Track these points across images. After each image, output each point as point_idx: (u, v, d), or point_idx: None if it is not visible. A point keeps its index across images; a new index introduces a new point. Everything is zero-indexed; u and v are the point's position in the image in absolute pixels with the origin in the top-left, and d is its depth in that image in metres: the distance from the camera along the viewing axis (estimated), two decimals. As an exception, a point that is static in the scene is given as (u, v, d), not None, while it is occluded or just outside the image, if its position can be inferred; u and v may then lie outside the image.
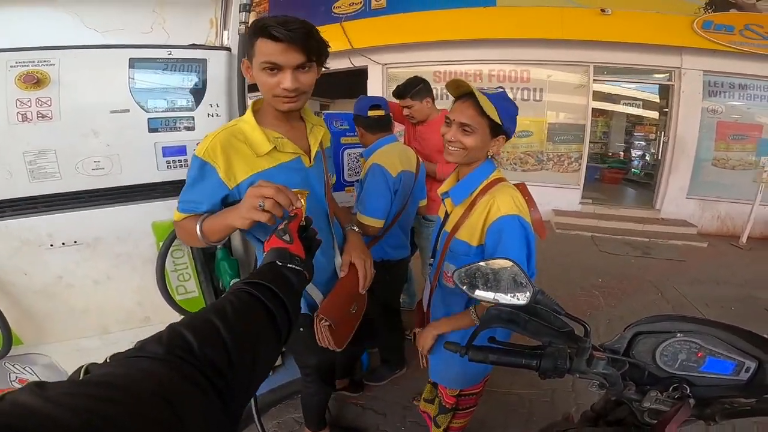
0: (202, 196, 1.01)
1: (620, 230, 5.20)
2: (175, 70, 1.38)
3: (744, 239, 4.91)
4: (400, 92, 2.22)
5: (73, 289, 1.41)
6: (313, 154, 1.15)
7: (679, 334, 0.67)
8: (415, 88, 2.19)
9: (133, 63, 1.32)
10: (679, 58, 5.13)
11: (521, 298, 0.71)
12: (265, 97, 1.04)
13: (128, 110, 1.33)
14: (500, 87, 1.10)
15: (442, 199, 1.27)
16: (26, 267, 1.33)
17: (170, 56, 1.36)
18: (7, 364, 1.45)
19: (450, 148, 1.13)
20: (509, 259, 0.73)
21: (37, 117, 1.24)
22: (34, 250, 1.32)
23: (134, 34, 1.40)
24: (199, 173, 1.00)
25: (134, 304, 1.53)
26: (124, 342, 1.55)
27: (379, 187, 1.64)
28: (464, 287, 0.78)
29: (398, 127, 2.74)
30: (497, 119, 1.05)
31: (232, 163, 1.00)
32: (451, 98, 1.15)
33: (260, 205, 0.82)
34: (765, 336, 0.66)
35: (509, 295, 0.72)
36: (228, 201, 1.03)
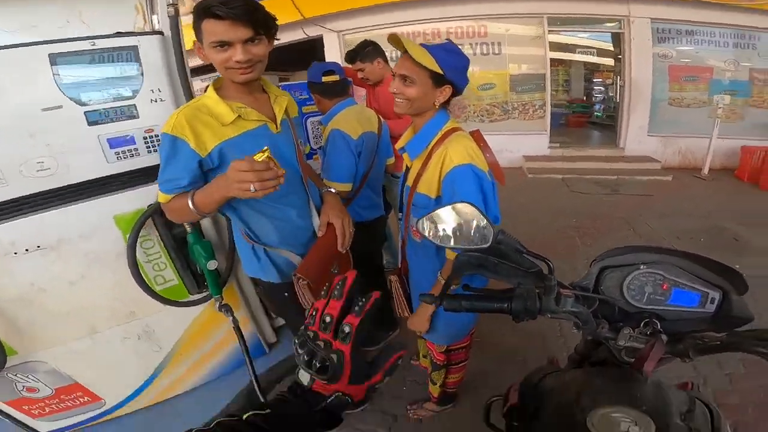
0: (180, 171, 1.05)
1: (589, 170, 5.37)
2: (104, 61, 1.31)
3: (705, 171, 5.17)
4: (351, 57, 2.28)
5: (47, 293, 1.39)
6: (278, 120, 1.18)
7: (642, 266, 0.66)
8: (364, 50, 2.24)
9: (55, 58, 1.24)
10: (626, 6, 5.28)
11: (483, 240, 0.69)
12: (220, 72, 1.07)
13: (61, 106, 1.27)
14: (448, 40, 1.10)
15: (400, 154, 1.28)
16: (-4, 278, 1.30)
17: (94, 47, 1.29)
18: (9, 375, 1.45)
19: (396, 100, 1.14)
20: (466, 202, 0.72)
21: (-34, 123, 1.17)
22: (-1, 260, 1.29)
23: (50, 29, 1.33)
24: (172, 149, 1.04)
25: (114, 300, 1.52)
26: (116, 339, 1.60)
27: (341, 151, 1.65)
28: (429, 236, 0.77)
29: (361, 92, 2.74)
30: (435, 68, 1.05)
31: (199, 133, 1.04)
32: None
33: (252, 189, 0.90)
34: (727, 264, 0.64)
35: (473, 239, 0.71)
36: (204, 168, 1.08)
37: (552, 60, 5.85)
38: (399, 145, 1.26)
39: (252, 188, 0.90)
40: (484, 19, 5.59)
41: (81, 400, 1.64)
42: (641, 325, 0.66)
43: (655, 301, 0.66)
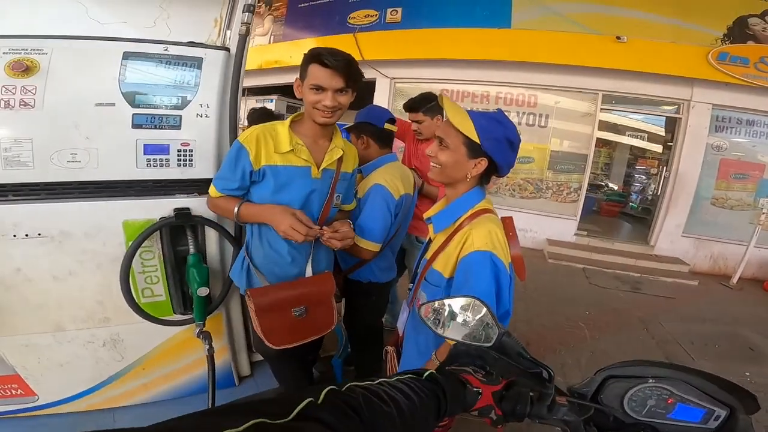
0: (234, 175, 1.23)
1: (612, 264, 5.15)
2: (169, 67, 1.35)
3: (735, 279, 4.88)
4: (413, 105, 2.14)
5: (31, 283, 1.35)
6: (321, 167, 1.30)
7: (651, 380, 0.63)
8: (429, 103, 2.10)
9: (127, 56, 1.29)
10: (689, 89, 5.05)
11: (487, 339, 0.69)
12: (307, 109, 1.25)
13: (114, 104, 1.30)
14: (499, 110, 1.07)
15: (427, 224, 1.21)
16: (-15, 256, 1.28)
17: (166, 52, 1.33)
18: None
19: (431, 164, 1.09)
20: (476, 298, 0.72)
21: (20, 105, 1.21)
22: (-5, 239, 1.27)
23: (136, 27, 1.38)
24: (236, 154, 1.22)
25: (95, 303, 1.47)
26: (79, 341, 1.51)
27: (381, 209, 1.54)
28: (429, 323, 0.76)
29: (398, 144, 2.71)
30: (471, 134, 1.00)
31: (259, 150, 1.22)
32: None
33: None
34: (741, 386, 0.62)
35: (475, 335, 0.71)
36: (251, 179, 1.25)
37: (597, 140, 5.72)
38: (428, 214, 1.19)
39: (296, 240, 1.18)
40: (536, 88, 5.59)
41: (13, 391, 1.56)
42: None
43: (656, 414, 0.64)
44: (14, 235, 1.28)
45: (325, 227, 1.27)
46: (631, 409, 0.64)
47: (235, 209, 1.25)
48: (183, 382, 1.79)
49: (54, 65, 1.23)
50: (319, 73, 1.15)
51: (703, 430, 0.63)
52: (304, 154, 1.26)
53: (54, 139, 1.26)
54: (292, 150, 1.24)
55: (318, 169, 1.29)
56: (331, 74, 1.15)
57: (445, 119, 1.11)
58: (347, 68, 1.16)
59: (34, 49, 1.22)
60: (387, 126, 1.68)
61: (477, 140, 1.00)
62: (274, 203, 1.25)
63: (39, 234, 1.30)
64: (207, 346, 1.47)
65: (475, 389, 0.64)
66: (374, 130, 1.67)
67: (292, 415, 0.34)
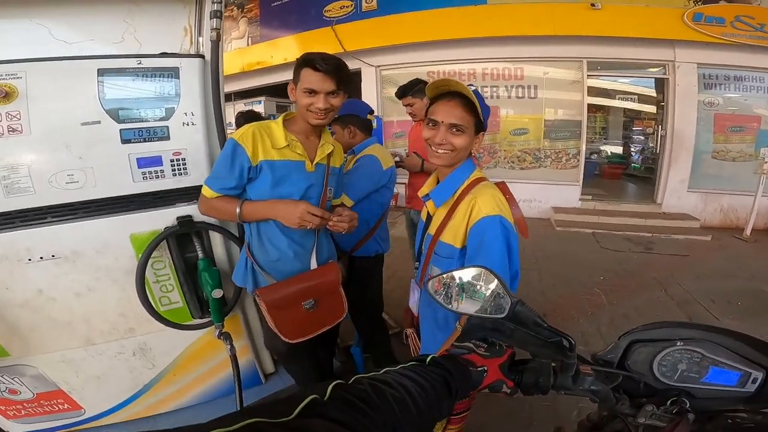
0: (231, 173, 1.25)
1: (622, 226, 5.13)
2: (146, 80, 1.36)
3: (748, 231, 4.82)
4: (402, 92, 2.49)
5: (55, 302, 1.40)
6: (314, 161, 1.35)
7: (679, 343, 0.61)
8: (415, 86, 2.44)
9: (102, 73, 1.30)
10: (672, 51, 5.08)
11: (499, 310, 0.66)
12: (300, 111, 1.30)
13: (99, 122, 1.31)
14: (471, 84, 1.07)
15: (424, 201, 1.24)
16: (7, 281, 1.33)
17: (140, 66, 1.34)
18: None
19: (439, 151, 1.09)
20: (485, 268, 0.69)
21: (8, 131, 1.22)
22: (13, 265, 1.31)
23: (105, 44, 1.37)
24: (232, 152, 1.24)
25: (117, 315, 1.51)
26: (110, 353, 1.57)
27: (369, 173, 1.78)
28: (439, 298, 0.74)
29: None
30: (480, 115, 1.05)
31: (256, 146, 1.25)
32: None
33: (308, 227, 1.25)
34: None
35: (487, 307, 0.68)
36: (248, 176, 1.28)
37: (589, 106, 5.73)
38: (422, 192, 1.23)
39: (309, 226, 1.25)
40: (522, 61, 5.58)
41: (60, 406, 1.62)
42: (667, 402, 0.62)
43: (688, 378, 0.62)
44: (29, 259, 1.31)
45: (332, 215, 1.32)
46: (661, 375, 0.63)
47: (237, 209, 1.27)
48: (213, 384, 1.84)
49: (32, 89, 1.23)
50: (311, 77, 1.21)
51: (740, 393, 0.61)
52: (299, 149, 1.31)
53: (49, 162, 1.28)
54: (288, 145, 1.29)
55: (312, 164, 1.35)
56: (322, 78, 1.21)
57: (445, 103, 1.07)
58: (338, 72, 1.23)
59: (8, 74, 1.22)
60: (369, 116, 1.93)
61: (482, 118, 1.06)
62: (272, 197, 1.29)
63: (53, 255, 1.33)
64: (229, 347, 1.51)
65: (479, 368, 0.63)
66: (359, 121, 1.90)
67: (293, 414, 0.34)
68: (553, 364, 0.63)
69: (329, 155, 1.41)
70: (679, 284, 3.52)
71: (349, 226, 1.33)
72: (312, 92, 1.23)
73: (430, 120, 1.09)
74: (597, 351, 0.68)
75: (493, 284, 0.67)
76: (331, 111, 1.28)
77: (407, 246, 3.07)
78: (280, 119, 1.34)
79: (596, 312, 3.05)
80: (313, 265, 1.42)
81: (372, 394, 0.43)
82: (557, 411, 1.97)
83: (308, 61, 1.21)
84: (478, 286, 0.69)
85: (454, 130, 1.06)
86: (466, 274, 0.71)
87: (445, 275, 0.73)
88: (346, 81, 1.27)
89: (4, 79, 1.20)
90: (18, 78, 1.22)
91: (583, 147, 5.63)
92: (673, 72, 5.18)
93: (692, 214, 5.31)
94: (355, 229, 1.39)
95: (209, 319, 1.56)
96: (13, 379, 1.49)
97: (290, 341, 1.36)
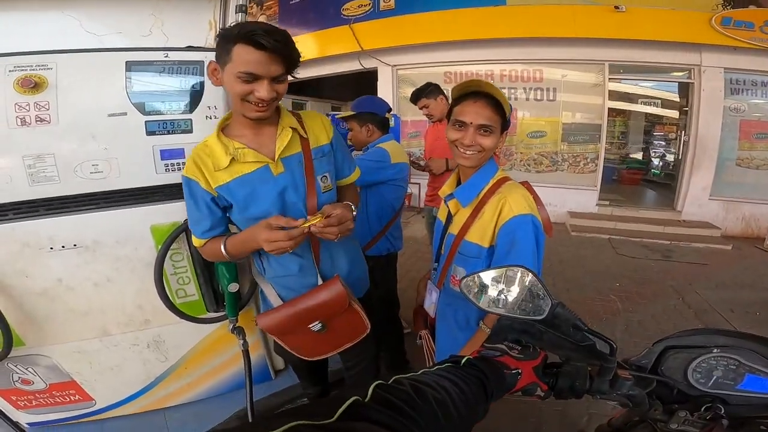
0: (201, 213, 1.09)
1: (639, 233, 5.01)
2: (172, 73, 1.37)
3: None
4: (416, 96, 2.53)
5: (74, 291, 1.41)
6: (276, 157, 1.07)
7: (715, 350, 0.61)
8: (427, 88, 2.49)
9: (130, 66, 1.31)
10: (698, 55, 4.93)
11: (538, 312, 0.64)
12: (234, 103, 1.01)
13: (126, 113, 1.32)
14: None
15: (445, 201, 1.22)
16: (27, 270, 1.35)
17: (167, 59, 1.35)
18: (9, 364, 1.47)
19: (467, 152, 1.07)
20: (525, 268, 0.67)
21: (36, 121, 1.24)
22: (34, 253, 1.33)
23: (133, 37, 1.39)
24: (189, 190, 1.08)
25: (135, 307, 1.52)
26: (125, 344, 1.57)
27: (374, 161, 1.76)
28: (471, 297, 0.71)
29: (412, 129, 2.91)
30: (508, 114, 1.05)
31: (203, 174, 1.06)
32: None
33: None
34: None
35: (524, 307, 0.66)
36: (221, 206, 1.11)
37: (610, 110, 5.61)
38: (444, 192, 1.21)
39: (288, 248, 0.99)
40: (541, 63, 5.50)
41: (72, 397, 1.64)
42: (701, 408, 0.62)
43: (723, 385, 0.62)
44: (51, 248, 1.33)
45: (310, 217, 1.02)
46: (695, 381, 0.62)
47: (222, 249, 1.09)
48: (223, 378, 1.84)
49: (61, 80, 1.26)
50: (249, 57, 0.90)
51: None
52: (250, 156, 1.05)
53: (75, 152, 1.30)
54: (234, 159, 1.04)
55: (276, 161, 1.08)
56: (268, 59, 0.91)
57: (473, 103, 1.04)
58: (288, 50, 0.94)
59: (38, 65, 1.24)
60: (387, 115, 1.91)
61: (507, 117, 1.06)
62: (250, 223, 1.08)
63: (74, 245, 1.35)
64: (241, 341, 1.51)
65: (513, 370, 0.61)
66: (378, 119, 1.88)
67: (335, 416, 0.32)
68: (589, 367, 0.63)
69: (303, 139, 1.13)
70: (696, 293, 3.44)
71: (340, 230, 1.04)
72: (250, 77, 0.92)
73: (457, 121, 1.07)
74: (627, 356, 0.67)
75: (531, 284, 0.65)
76: (276, 100, 1.00)
77: (419, 246, 3.05)
78: (215, 130, 1.08)
79: (611, 318, 3.00)
80: (319, 282, 1.21)
81: (414, 395, 0.42)
82: (567, 416, 1.93)
83: (246, 34, 0.89)
84: (515, 287, 0.68)
85: (483, 131, 1.04)
86: (501, 273, 0.69)
87: (480, 274, 0.71)
88: (294, 62, 0.98)
89: (34, 69, 1.22)
90: (48, 69, 1.24)
91: (602, 151, 5.52)
92: (699, 76, 5.03)
93: (713, 222, 5.16)
94: (351, 231, 1.11)
95: (223, 312, 1.57)
96: (27, 369, 1.51)
97: (308, 359, 1.26)
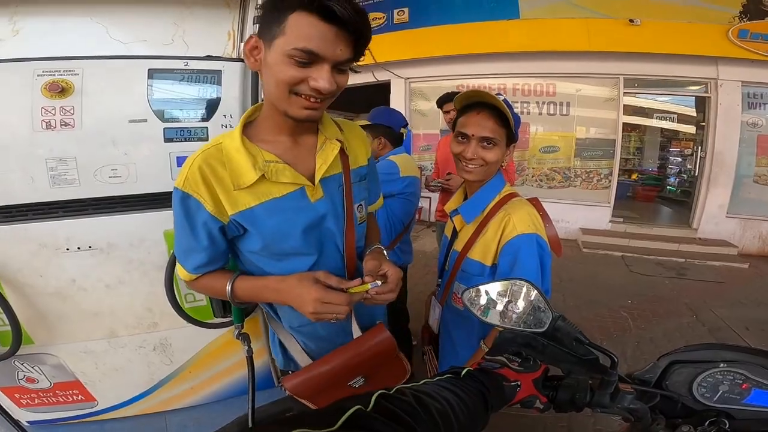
0: (197, 242, 0.81)
1: (654, 250, 4.93)
2: (191, 81, 1.40)
3: None
4: (444, 99, 2.66)
5: (86, 292, 1.43)
6: (317, 178, 0.83)
7: (722, 364, 0.61)
8: (455, 95, 2.44)
9: (152, 74, 1.35)
10: (714, 68, 4.89)
11: (539, 325, 0.65)
12: (274, 94, 0.74)
13: (146, 120, 1.35)
14: (498, 93, 1.06)
15: (450, 217, 1.22)
16: (42, 269, 1.37)
17: (187, 67, 1.39)
18: (16, 362, 1.49)
19: (469, 166, 1.06)
20: (526, 281, 0.68)
21: (60, 125, 1.28)
22: (51, 254, 1.36)
23: (156, 45, 1.43)
24: (183, 210, 0.79)
25: (144, 309, 1.54)
26: (131, 346, 1.59)
27: (386, 174, 1.74)
28: (474, 310, 0.73)
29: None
30: (512, 127, 1.02)
31: (213, 193, 0.78)
32: None
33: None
34: None
35: (525, 320, 0.67)
36: (229, 236, 0.84)
37: (624, 125, 5.53)
38: (449, 207, 1.20)
39: (339, 315, 0.78)
40: (555, 77, 5.49)
41: (75, 397, 1.65)
42: (705, 423, 0.62)
43: (729, 400, 0.61)
44: (67, 249, 1.36)
45: (367, 278, 0.82)
46: (701, 395, 0.61)
47: (228, 288, 0.84)
48: (226, 384, 1.84)
49: (87, 85, 1.29)
50: (312, 30, 0.65)
51: None
52: (286, 175, 0.79)
53: (95, 157, 1.33)
54: (263, 175, 0.78)
55: (316, 184, 0.83)
56: (335, 35, 0.66)
57: (475, 115, 1.02)
58: (363, 25, 0.69)
59: (66, 70, 1.28)
60: (402, 130, 1.89)
61: (513, 130, 1.04)
62: (270, 261, 0.86)
63: (90, 247, 1.38)
64: (246, 348, 1.50)
65: (512, 383, 0.61)
66: (392, 133, 1.85)
67: (337, 424, 0.32)
68: (590, 381, 0.63)
69: (343, 154, 0.88)
70: (711, 311, 3.38)
71: (396, 289, 0.86)
72: (309, 58, 0.67)
73: (460, 133, 1.06)
74: (634, 370, 0.67)
75: (533, 298, 0.67)
76: (332, 96, 0.76)
77: (428, 260, 3.05)
78: (237, 127, 0.82)
79: (622, 335, 2.97)
80: (355, 330, 0.98)
81: (416, 406, 0.42)
82: (572, 431, 1.90)
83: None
84: (517, 299, 0.69)
85: (485, 143, 1.03)
86: (503, 286, 0.70)
87: (482, 286, 0.72)
88: (364, 47, 0.74)
89: (62, 74, 1.27)
90: (75, 74, 1.28)
91: (616, 167, 5.46)
92: (716, 90, 4.97)
93: (730, 240, 5.05)
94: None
95: (230, 318, 1.57)
96: (33, 367, 1.52)
97: None
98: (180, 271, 0.88)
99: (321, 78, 0.69)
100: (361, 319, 1.00)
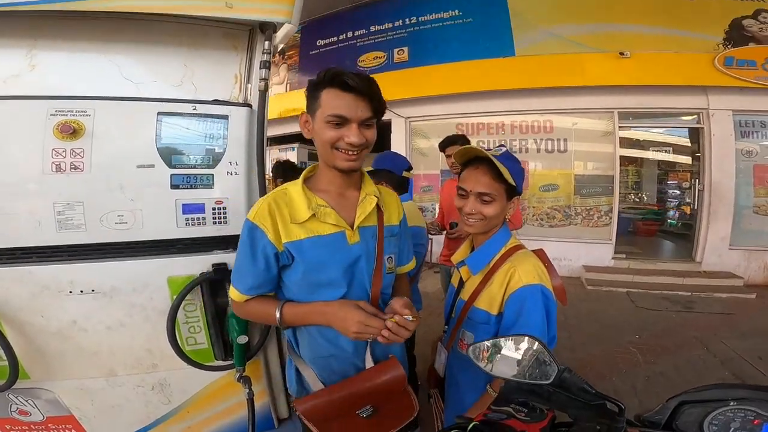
0: (255, 267, 0.97)
1: (658, 285, 4.86)
2: (199, 126, 1.42)
3: None
4: (446, 143, 2.57)
5: (86, 333, 1.42)
6: (356, 225, 1.00)
7: (732, 402, 0.61)
8: (460, 139, 2.56)
9: (161, 117, 1.37)
10: (705, 98, 4.97)
11: (544, 378, 0.67)
12: (323, 153, 0.97)
13: (153, 165, 1.38)
14: (501, 145, 1.10)
15: (457, 268, 1.24)
16: (44, 310, 1.37)
17: (195, 111, 1.41)
18: (10, 395, 1.46)
19: (470, 220, 1.09)
20: (532, 336, 0.71)
21: (70, 168, 1.30)
22: (53, 296, 1.36)
23: (165, 86, 1.45)
24: (250, 238, 0.97)
25: (144, 351, 1.52)
26: (129, 385, 1.56)
27: None
28: (481, 364, 0.75)
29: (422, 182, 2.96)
30: (512, 182, 1.04)
31: (276, 225, 0.96)
32: None
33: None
34: None
35: (531, 373, 0.69)
36: (280, 264, 0.99)
37: (622, 158, 5.57)
38: (456, 258, 1.23)
39: (374, 335, 0.92)
40: (551, 113, 5.59)
41: (67, 431, 1.60)
42: None
43: None
44: (70, 291, 1.36)
45: (405, 311, 0.95)
46: None
47: (277, 314, 0.98)
48: (224, 424, 1.78)
49: (98, 127, 1.30)
50: (338, 101, 0.90)
51: None
52: (331, 218, 0.98)
53: (103, 202, 1.34)
54: (314, 215, 0.97)
55: (354, 229, 1.01)
56: (354, 100, 0.90)
57: (472, 171, 1.07)
58: (374, 92, 0.93)
59: (78, 111, 1.29)
60: (405, 173, 1.80)
61: (513, 184, 1.05)
62: (309, 290, 1.00)
63: (93, 290, 1.38)
64: (247, 390, 1.50)
65: None
66: (395, 178, 1.76)
67: None
68: (598, 427, 0.62)
69: (379, 210, 1.07)
70: (722, 342, 3.31)
71: (413, 327, 0.95)
72: (340, 121, 0.90)
73: (460, 188, 1.10)
74: (643, 412, 0.67)
75: (537, 351, 0.69)
76: (366, 148, 0.96)
77: (430, 301, 3.02)
78: (299, 179, 1.02)
79: (630, 370, 2.89)
80: (368, 363, 1.06)
81: None
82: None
83: (334, 77, 0.89)
84: (521, 353, 0.71)
85: (484, 198, 1.06)
86: (508, 342, 0.73)
87: (488, 341, 0.75)
88: (383, 106, 0.97)
89: (74, 115, 1.29)
90: (87, 116, 1.30)
91: (616, 203, 5.44)
92: (708, 120, 5.03)
93: (735, 272, 4.99)
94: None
95: (231, 362, 1.55)
96: (27, 401, 1.49)
97: None
98: (232, 293, 1.03)
99: (351, 134, 0.91)
100: (375, 353, 1.09)
